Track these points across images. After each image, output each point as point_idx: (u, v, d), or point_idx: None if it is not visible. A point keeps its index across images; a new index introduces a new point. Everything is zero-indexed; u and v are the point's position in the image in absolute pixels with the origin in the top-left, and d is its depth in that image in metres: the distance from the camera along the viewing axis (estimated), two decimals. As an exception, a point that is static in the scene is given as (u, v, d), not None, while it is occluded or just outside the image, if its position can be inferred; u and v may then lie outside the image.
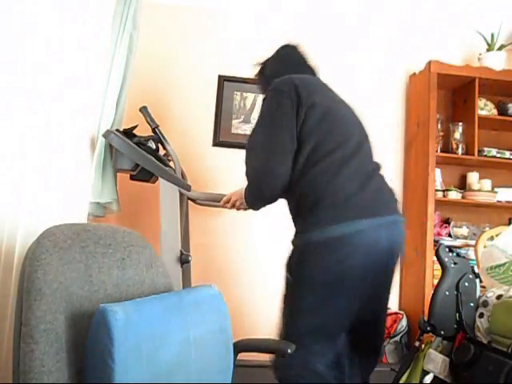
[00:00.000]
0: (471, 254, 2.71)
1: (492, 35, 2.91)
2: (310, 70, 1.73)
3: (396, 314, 2.69)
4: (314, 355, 1.41)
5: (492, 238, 2.30)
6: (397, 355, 2.56)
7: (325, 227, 1.36)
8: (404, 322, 2.64)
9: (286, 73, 1.60)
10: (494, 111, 2.92)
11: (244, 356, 1.25)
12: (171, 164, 2.20)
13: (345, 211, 1.37)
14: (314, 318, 1.41)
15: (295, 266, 1.44)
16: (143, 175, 2.11)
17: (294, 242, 1.48)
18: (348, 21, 2.96)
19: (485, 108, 2.90)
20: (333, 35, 2.94)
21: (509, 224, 2.88)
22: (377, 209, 1.42)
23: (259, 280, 2.69)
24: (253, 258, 2.73)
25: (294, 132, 1.45)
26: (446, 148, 2.86)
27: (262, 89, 1.78)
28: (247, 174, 1.56)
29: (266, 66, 1.77)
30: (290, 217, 1.55)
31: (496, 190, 2.83)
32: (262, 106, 1.58)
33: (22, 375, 0.84)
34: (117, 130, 2.01)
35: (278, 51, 1.78)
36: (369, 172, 1.48)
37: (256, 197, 1.57)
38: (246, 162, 1.57)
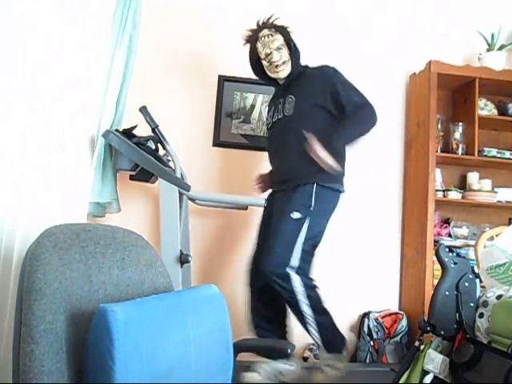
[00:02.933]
0: (471, 254, 2.71)
1: (492, 35, 2.91)
2: None
3: (396, 314, 2.68)
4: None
5: (492, 238, 2.30)
6: (397, 355, 2.55)
7: (339, 183, 2.13)
8: (404, 322, 2.64)
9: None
10: (494, 111, 2.92)
11: (244, 356, 1.25)
12: (171, 164, 2.20)
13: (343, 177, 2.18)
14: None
15: (305, 203, 1.98)
16: (143, 175, 2.11)
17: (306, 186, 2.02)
18: (349, 21, 2.96)
19: (485, 108, 2.90)
20: (333, 35, 2.93)
21: (509, 224, 2.87)
22: None
23: (259, 280, 2.69)
24: (253, 258, 2.72)
25: None
26: (446, 148, 2.86)
27: (289, 58, 2.21)
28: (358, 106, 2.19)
29: (296, 47, 2.25)
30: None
31: (496, 190, 2.83)
32: (338, 79, 2.22)
33: (22, 375, 0.84)
34: (116, 130, 2.01)
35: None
36: None
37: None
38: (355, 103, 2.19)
